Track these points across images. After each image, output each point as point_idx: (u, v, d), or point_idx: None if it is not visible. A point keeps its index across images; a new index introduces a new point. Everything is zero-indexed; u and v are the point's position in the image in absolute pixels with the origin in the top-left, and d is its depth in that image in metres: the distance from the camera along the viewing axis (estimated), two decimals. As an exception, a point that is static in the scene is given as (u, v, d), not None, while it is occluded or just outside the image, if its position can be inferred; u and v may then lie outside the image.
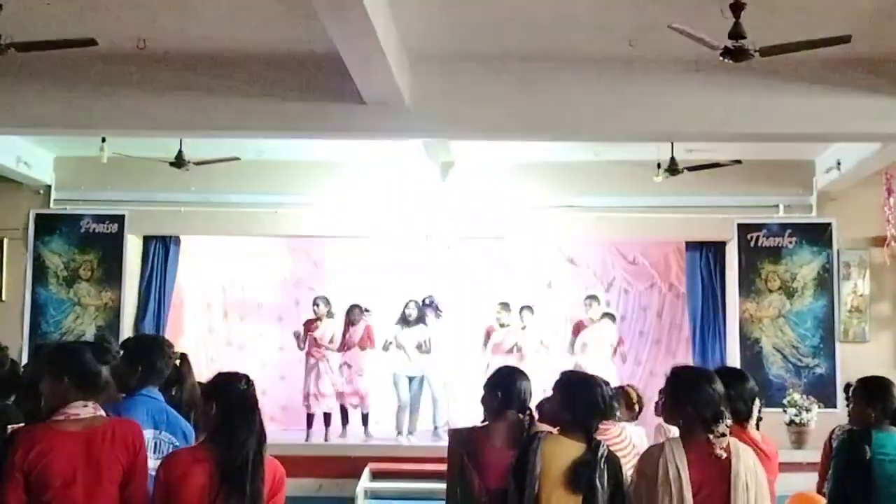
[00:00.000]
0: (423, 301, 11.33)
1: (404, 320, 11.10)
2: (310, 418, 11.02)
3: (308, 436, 10.91)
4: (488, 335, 11.29)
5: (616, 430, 5.02)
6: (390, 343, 11.12)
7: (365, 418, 11.36)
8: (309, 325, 11.17)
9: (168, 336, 11.27)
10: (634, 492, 3.76)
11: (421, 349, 11.01)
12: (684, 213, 11.17)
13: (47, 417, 3.65)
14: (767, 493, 3.70)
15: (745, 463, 3.63)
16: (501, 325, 11.30)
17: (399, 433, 10.89)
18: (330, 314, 11.21)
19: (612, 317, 11.63)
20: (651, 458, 3.69)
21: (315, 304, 11.22)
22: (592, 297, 11.55)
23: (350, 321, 11.21)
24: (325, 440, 10.88)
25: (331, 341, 11.10)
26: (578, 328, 11.43)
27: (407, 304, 11.17)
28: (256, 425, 3.60)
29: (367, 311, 11.37)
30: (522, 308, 11.53)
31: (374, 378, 11.47)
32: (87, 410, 3.61)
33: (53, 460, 3.49)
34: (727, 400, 3.76)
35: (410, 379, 11.07)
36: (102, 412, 3.69)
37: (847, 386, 5.81)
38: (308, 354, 11.09)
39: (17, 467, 3.46)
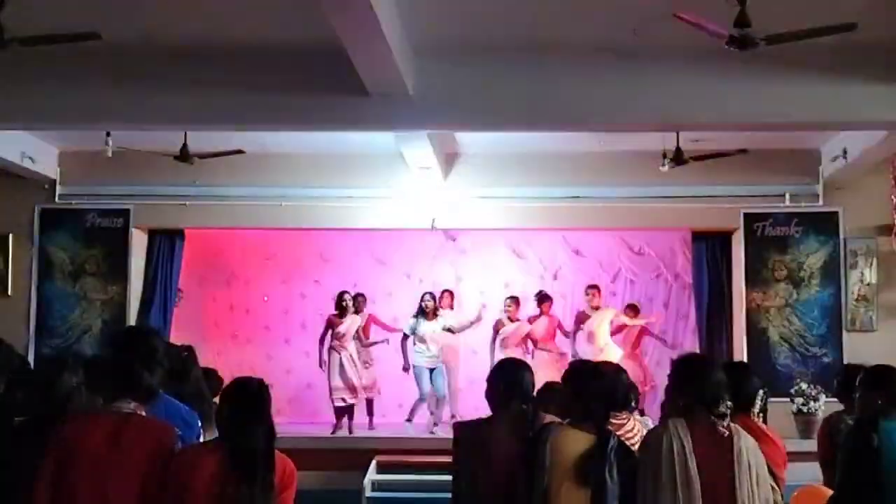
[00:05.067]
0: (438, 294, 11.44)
1: (422, 313, 11.11)
2: (338, 411, 10.95)
3: (335, 430, 10.87)
4: (497, 331, 11.23)
5: (630, 423, 4.88)
6: (408, 337, 11.15)
7: (370, 405, 11.35)
8: (333, 319, 11.14)
9: (174, 330, 11.41)
10: (639, 469, 3.76)
11: (450, 331, 11.12)
12: (690, 202, 11.12)
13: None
14: (768, 476, 3.75)
15: (747, 443, 3.70)
16: (510, 320, 11.24)
17: (409, 420, 10.91)
18: (354, 308, 11.24)
19: (634, 308, 11.68)
20: (655, 435, 3.75)
21: (341, 298, 11.15)
22: (593, 287, 11.55)
23: (355, 311, 11.29)
24: (350, 433, 10.87)
25: (355, 335, 11.14)
26: (581, 318, 11.43)
27: (423, 297, 11.21)
28: (265, 419, 3.71)
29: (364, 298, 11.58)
30: (541, 297, 11.52)
31: (384, 369, 11.53)
32: (129, 406, 3.85)
33: (84, 435, 3.75)
34: (729, 389, 3.86)
35: (431, 370, 11.08)
36: (143, 412, 3.89)
37: (838, 373, 5.81)
38: (332, 349, 11.05)
39: (57, 440, 3.76)
